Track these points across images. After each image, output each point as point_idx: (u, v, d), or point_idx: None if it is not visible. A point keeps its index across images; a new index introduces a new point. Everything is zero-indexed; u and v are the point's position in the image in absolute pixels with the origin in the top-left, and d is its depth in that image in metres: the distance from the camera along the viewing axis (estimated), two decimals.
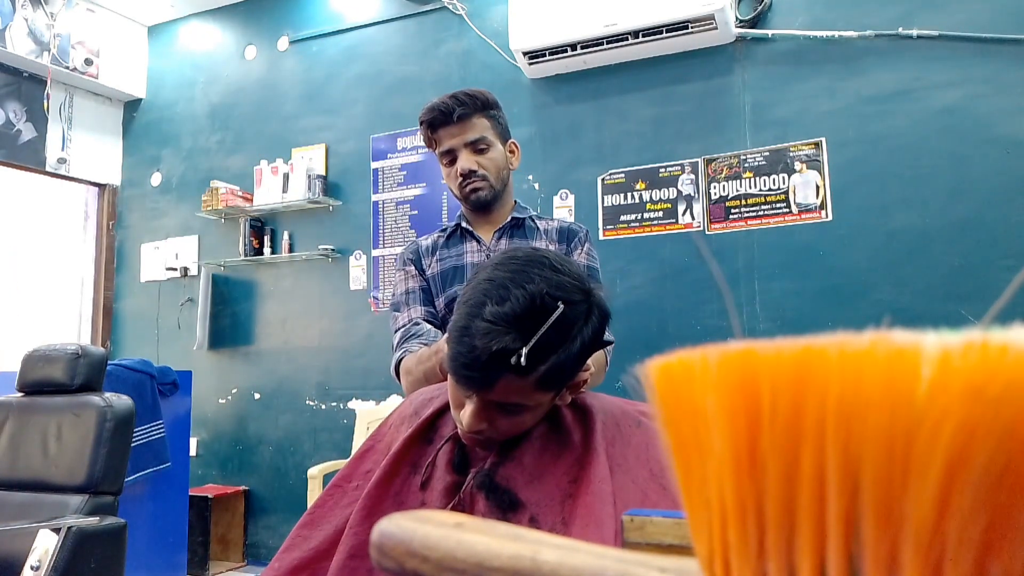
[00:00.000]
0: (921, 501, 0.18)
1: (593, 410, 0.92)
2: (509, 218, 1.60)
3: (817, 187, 2.78)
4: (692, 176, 2.99)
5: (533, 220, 1.62)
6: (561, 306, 0.77)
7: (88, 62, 4.03)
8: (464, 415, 0.85)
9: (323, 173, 3.74)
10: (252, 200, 3.85)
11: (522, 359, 0.75)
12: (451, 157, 1.54)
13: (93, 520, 1.78)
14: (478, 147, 1.52)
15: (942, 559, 0.18)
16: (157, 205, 4.24)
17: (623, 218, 3.09)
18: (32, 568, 1.65)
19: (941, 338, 0.18)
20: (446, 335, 1.03)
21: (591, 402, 0.94)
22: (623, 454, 0.88)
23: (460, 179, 1.53)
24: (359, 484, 0.94)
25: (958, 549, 0.18)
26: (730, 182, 2.92)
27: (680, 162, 3.01)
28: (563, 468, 0.87)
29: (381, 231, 3.60)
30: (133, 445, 2.13)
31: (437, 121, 1.51)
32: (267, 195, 3.78)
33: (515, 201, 1.64)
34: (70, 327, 4.22)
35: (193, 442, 3.78)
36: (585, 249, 1.60)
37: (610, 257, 3.07)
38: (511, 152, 1.61)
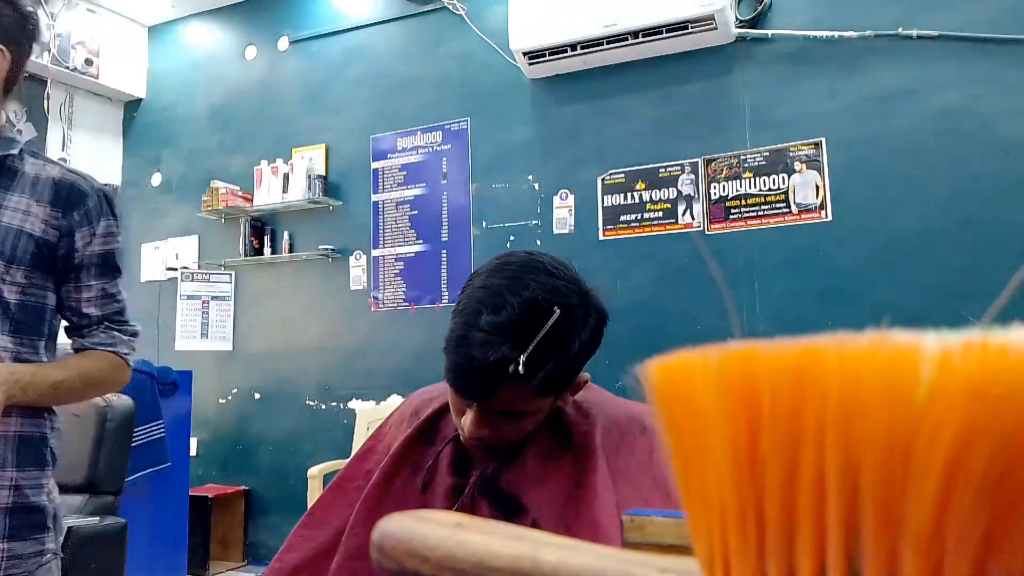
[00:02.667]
0: (921, 502, 0.18)
1: (595, 414, 0.91)
2: None
3: (817, 187, 2.78)
4: (692, 176, 2.99)
5: (22, 157, 1.12)
6: (557, 311, 0.76)
7: (88, 62, 4.02)
8: (465, 422, 0.84)
9: (323, 173, 3.74)
10: (252, 200, 3.84)
11: (520, 368, 0.75)
12: None
13: (93, 520, 1.78)
14: None
15: (942, 559, 0.18)
16: (157, 205, 4.24)
17: (623, 218, 3.09)
18: None
19: (941, 338, 0.18)
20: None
21: (594, 406, 0.93)
22: (627, 463, 0.87)
23: None
24: (360, 484, 0.94)
25: (958, 549, 0.18)
26: (730, 182, 2.92)
27: (680, 162, 3.01)
28: (565, 471, 0.86)
29: (381, 231, 3.60)
30: (133, 445, 2.13)
31: None
32: (267, 195, 3.78)
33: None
34: None
35: (193, 442, 3.78)
36: (101, 229, 1.12)
37: (610, 257, 3.07)
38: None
